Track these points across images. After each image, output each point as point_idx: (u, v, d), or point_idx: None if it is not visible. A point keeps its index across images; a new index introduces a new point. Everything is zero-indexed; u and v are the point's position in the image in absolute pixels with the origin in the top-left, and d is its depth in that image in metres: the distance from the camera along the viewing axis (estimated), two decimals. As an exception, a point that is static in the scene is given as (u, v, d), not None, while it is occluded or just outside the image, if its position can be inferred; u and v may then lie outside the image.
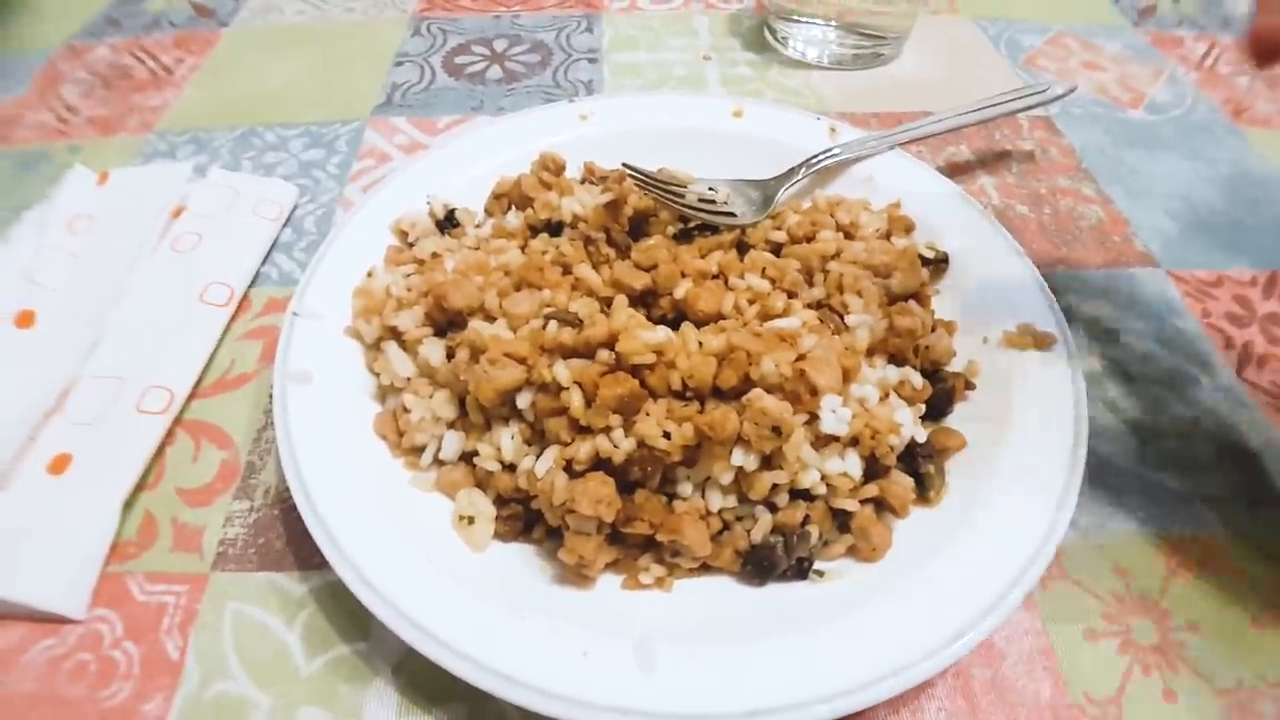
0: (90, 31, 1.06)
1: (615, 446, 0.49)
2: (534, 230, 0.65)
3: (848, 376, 0.52)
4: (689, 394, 0.51)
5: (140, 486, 0.60)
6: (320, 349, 0.59)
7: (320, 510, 0.51)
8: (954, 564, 0.49)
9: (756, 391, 0.50)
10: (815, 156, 0.73)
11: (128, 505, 0.59)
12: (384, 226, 0.68)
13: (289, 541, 0.57)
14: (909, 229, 0.67)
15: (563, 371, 0.50)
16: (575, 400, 0.50)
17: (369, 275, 0.63)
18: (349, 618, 0.52)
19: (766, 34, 1.00)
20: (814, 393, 0.50)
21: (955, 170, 0.83)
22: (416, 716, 0.49)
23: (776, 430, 0.48)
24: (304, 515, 0.51)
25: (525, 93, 0.93)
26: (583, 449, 0.49)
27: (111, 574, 0.56)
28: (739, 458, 0.49)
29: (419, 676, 0.50)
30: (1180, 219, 0.80)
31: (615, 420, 0.49)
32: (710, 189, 0.67)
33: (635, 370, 0.51)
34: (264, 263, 0.76)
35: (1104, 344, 0.68)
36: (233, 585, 0.55)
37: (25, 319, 0.70)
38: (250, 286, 0.74)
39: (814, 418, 0.51)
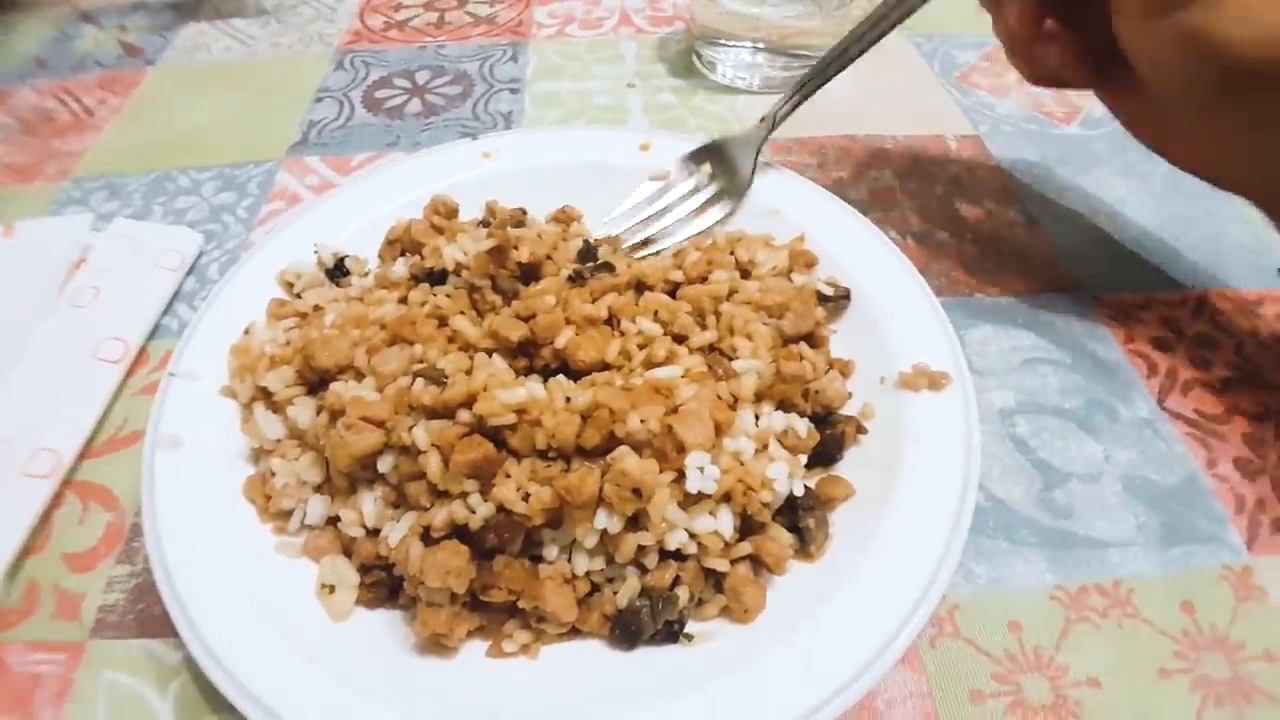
0: (19, 74, 1.06)
1: (472, 512, 0.47)
2: (417, 279, 0.63)
3: (720, 430, 0.51)
4: (553, 454, 0.50)
5: (27, 550, 0.59)
6: (195, 411, 0.58)
7: (178, 588, 0.49)
8: (827, 624, 0.47)
9: (620, 451, 0.48)
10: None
11: (13, 571, 0.58)
12: (270, 277, 0.66)
13: (166, 608, 0.56)
14: (810, 264, 0.66)
15: (420, 434, 0.49)
16: (433, 464, 0.48)
17: (246, 332, 0.62)
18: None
19: (694, 59, 0.98)
20: (681, 450, 0.48)
21: (876, 196, 0.82)
22: (283, 794, 0.48)
23: (637, 492, 0.46)
24: (161, 592, 0.50)
25: (443, 126, 0.92)
26: (439, 515, 0.48)
27: None
28: (602, 520, 0.47)
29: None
30: (1109, 240, 0.78)
31: (471, 485, 0.48)
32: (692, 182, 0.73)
33: (496, 432, 0.49)
34: (165, 314, 0.74)
35: (1020, 375, 0.66)
36: (109, 653, 0.54)
37: (-79, 378, 0.69)
38: (149, 340, 0.72)
39: (682, 475, 0.49)
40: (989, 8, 0.65)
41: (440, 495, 0.49)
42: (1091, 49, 0.60)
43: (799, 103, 0.72)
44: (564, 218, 0.72)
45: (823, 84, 0.71)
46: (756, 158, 0.72)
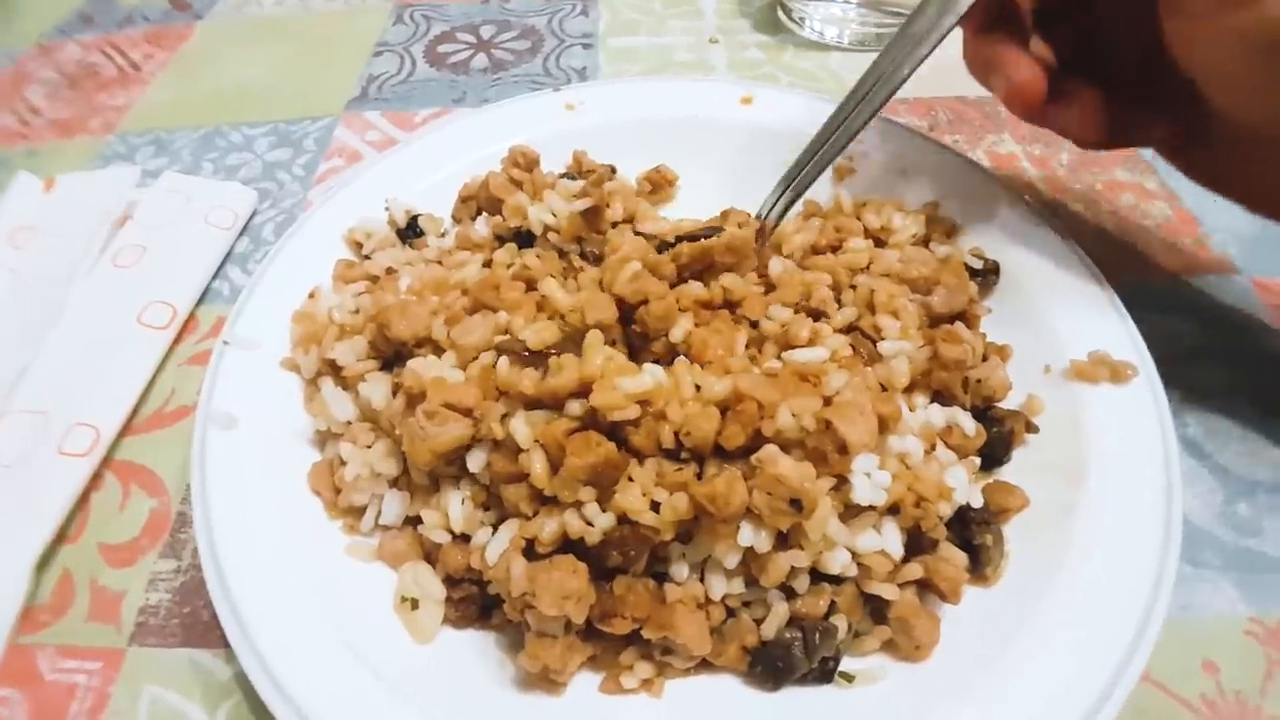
0: (63, 29, 0.96)
1: (589, 524, 0.37)
2: (501, 240, 0.52)
3: (885, 426, 0.39)
4: (683, 453, 0.39)
5: (61, 538, 0.50)
6: (253, 385, 0.48)
7: (233, 594, 0.39)
8: (1021, 667, 0.36)
9: (769, 451, 0.37)
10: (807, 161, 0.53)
11: (46, 560, 0.49)
12: (338, 236, 0.55)
13: (216, 613, 0.46)
14: (951, 233, 0.54)
15: (521, 429, 0.38)
16: (537, 466, 0.37)
17: (311, 296, 0.51)
18: None
19: (780, 14, 0.86)
20: (844, 451, 0.37)
21: (997, 162, 0.70)
22: (352, 844, 0.38)
23: (796, 504, 0.35)
24: (213, 598, 0.40)
25: (512, 82, 0.80)
26: (547, 527, 0.37)
27: (21, 646, 0.46)
28: (748, 536, 0.37)
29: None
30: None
31: (588, 494, 0.37)
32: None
33: (614, 429, 0.38)
34: (215, 277, 0.64)
35: (1184, 369, 0.54)
36: (151, 664, 0.45)
37: (-43, 345, 0.60)
38: (198, 305, 0.62)
39: (843, 482, 0.38)
40: (979, 77, 0.50)
41: (546, 501, 0.38)
42: (1119, 96, 0.46)
43: (792, 201, 0.54)
44: (659, 179, 0.60)
45: (816, 177, 0.53)
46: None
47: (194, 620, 0.46)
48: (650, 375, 0.38)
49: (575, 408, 0.38)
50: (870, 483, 0.37)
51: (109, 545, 0.50)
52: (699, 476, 0.38)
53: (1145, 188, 0.68)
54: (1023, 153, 0.70)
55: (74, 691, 0.44)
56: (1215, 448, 0.51)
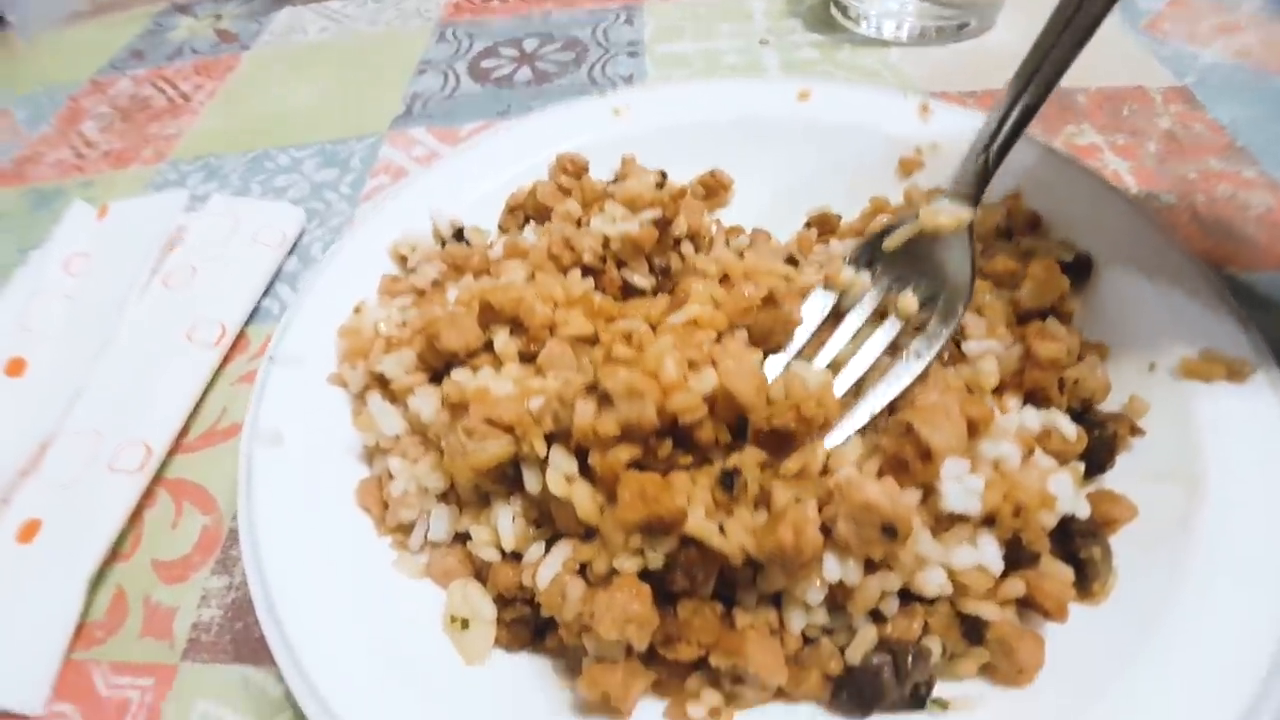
0: (115, 65, 1.00)
1: (642, 554, 0.35)
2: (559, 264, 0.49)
3: (975, 430, 0.36)
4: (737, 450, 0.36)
5: (114, 555, 0.51)
6: (299, 401, 0.47)
7: (279, 613, 0.38)
8: (1137, 695, 0.33)
9: (847, 476, 0.34)
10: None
11: (99, 578, 0.50)
12: (383, 251, 0.55)
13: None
14: (1035, 225, 0.51)
15: (561, 459, 0.36)
16: (584, 501, 0.35)
17: (357, 311, 0.50)
18: None
19: (833, 11, 0.84)
20: (927, 457, 0.34)
21: (1079, 154, 0.66)
22: None
23: (889, 530, 0.33)
24: (260, 618, 0.39)
25: (558, 93, 0.80)
26: (601, 559, 0.35)
27: (76, 661, 0.47)
28: (834, 570, 0.34)
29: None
30: (1370, 203, 0.61)
31: (638, 541, 0.35)
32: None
33: (674, 426, 0.36)
34: (265, 295, 0.65)
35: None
36: (203, 680, 0.45)
37: (15, 367, 0.61)
38: (247, 323, 0.63)
39: (930, 492, 0.35)
40: None
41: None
42: None
43: (1024, 122, 0.45)
44: (714, 184, 0.59)
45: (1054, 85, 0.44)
46: (973, 231, 0.45)
47: (246, 636, 0.46)
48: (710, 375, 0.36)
49: (638, 411, 0.35)
50: (962, 488, 0.34)
51: (162, 562, 0.50)
52: (761, 503, 0.35)
53: (1243, 176, 0.63)
54: (1105, 143, 0.67)
55: (127, 707, 0.45)
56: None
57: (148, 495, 0.53)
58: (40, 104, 0.95)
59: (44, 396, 0.58)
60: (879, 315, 0.44)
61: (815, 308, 0.45)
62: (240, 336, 0.62)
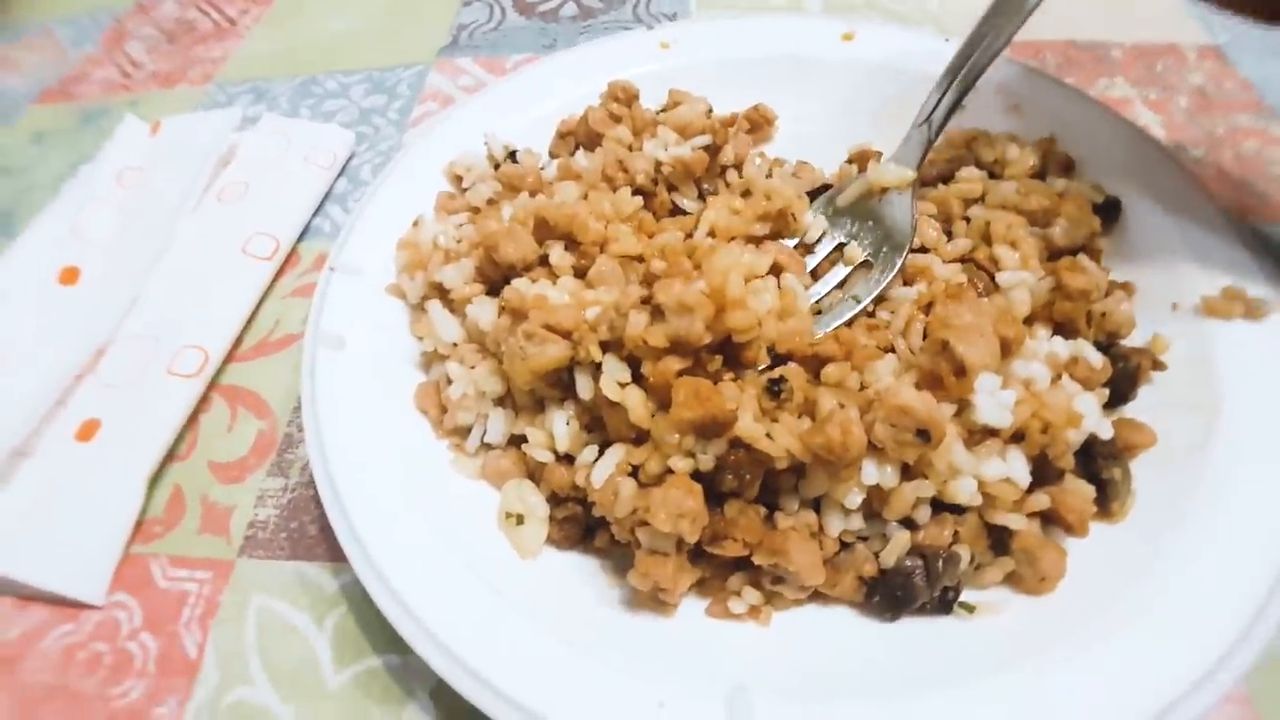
0: (160, -13, 0.98)
1: (692, 456, 0.36)
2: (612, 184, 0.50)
3: (1007, 350, 0.37)
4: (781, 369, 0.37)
5: (171, 456, 0.52)
6: (359, 309, 0.48)
7: (346, 502, 0.40)
8: (1148, 610, 0.34)
9: (890, 382, 0.35)
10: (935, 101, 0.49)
11: (156, 477, 0.51)
12: (437, 171, 0.55)
13: (323, 528, 0.47)
14: (1069, 167, 0.51)
15: (615, 366, 0.37)
16: (637, 406, 0.36)
17: (415, 225, 0.51)
18: (385, 624, 0.41)
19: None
20: (961, 373, 0.35)
21: (1113, 107, 0.65)
22: (456, 754, 0.39)
23: (923, 434, 0.34)
24: (327, 507, 0.40)
25: (603, 28, 0.79)
26: (653, 460, 0.36)
27: (135, 555, 0.48)
28: (872, 474, 0.35)
29: (461, 705, 0.39)
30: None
31: (690, 441, 0.36)
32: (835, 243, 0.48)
33: (726, 344, 0.37)
34: (316, 215, 0.65)
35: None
36: (260, 574, 0.46)
37: (70, 275, 0.62)
38: (299, 240, 0.63)
39: (964, 407, 0.36)
40: None
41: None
42: None
43: (959, 97, 0.49)
44: (758, 118, 0.58)
45: (984, 70, 0.49)
46: (915, 188, 0.49)
47: (301, 535, 0.47)
48: (769, 292, 0.37)
49: (689, 328, 0.36)
50: (995, 403, 0.36)
51: (218, 463, 0.51)
52: (806, 412, 0.36)
53: (1271, 134, 0.63)
54: (1138, 96, 0.66)
55: (185, 598, 0.46)
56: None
57: (203, 401, 0.54)
58: (84, 26, 0.93)
59: (99, 303, 0.58)
60: (831, 261, 0.48)
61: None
62: (292, 253, 0.62)
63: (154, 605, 0.46)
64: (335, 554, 0.46)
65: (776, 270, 0.42)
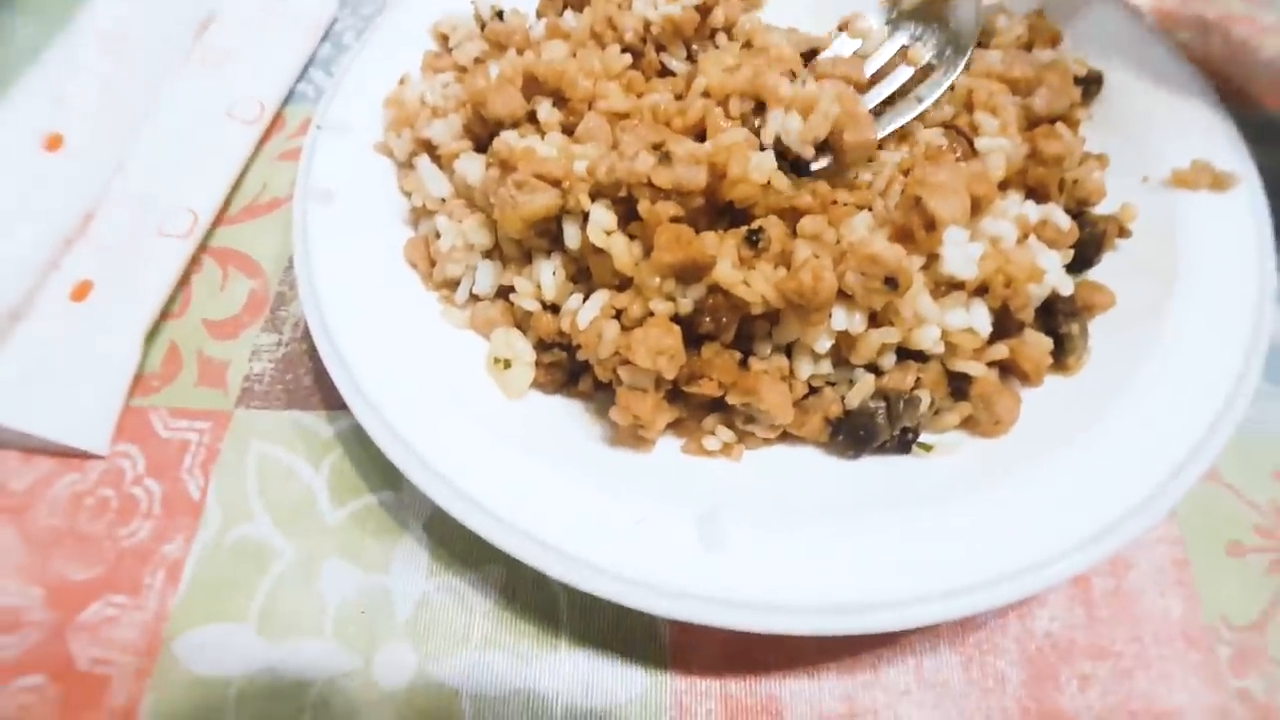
0: None
1: (672, 300, 0.37)
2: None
3: (978, 207, 0.39)
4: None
5: (165, 314, 0.53)
6: (347, 166, 0.48)
7: (341, 348, 0.41)
8: (1092, 450, 0.37)
9: (861, 233, 0.37)
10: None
11: (151, 335, 0.52)
12: (423, 31, 0.54)
13: (317, 379, 0.49)
14: (1055, 40, 0.51)
15: (602, 214, 0.38)
16: (621, 253, 0.38)
17: (402, 83, 0.50)
18: (378, 465, 0.44)
19: None
20: (931, 227, 0.37)
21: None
22: (448, 578, 0.42)
23: (891, 281, 0.35)
24: (323, 353, 0.42)
25: (592, -105, 0.76)
26: (636, 304, 0.38)
27: (135, 408, 0.50)
28: (841, 320, 0.37)
29: (452, 535, 0.42)
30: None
31: (670, 285, 0.37)
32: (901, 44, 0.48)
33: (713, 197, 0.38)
34: (300, 79, 0.64)
35: (1282, 198, 0.52)
36: (257, 423, 0.48)
37: (54, 142, 0.60)
38: (285, 104, 0.62)
39: (933, 260, 0.38)
40: None
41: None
42: None
43: None
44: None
45: None
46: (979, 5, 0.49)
47: (296, 385, 0.49)
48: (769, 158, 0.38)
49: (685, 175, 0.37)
50: (962, 255, 0.37)
51: (212, 321, 0.52)
52: (782, 262, 0.37)
53: (1260, 22, 0.63)
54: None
55: (187, 447, 0.48)
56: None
57: (194, 261, 0.55)
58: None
59: (84, 169, 0.57)
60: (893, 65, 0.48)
61: (845, 48, 0.49)
62: (277, 117, 0.62)
63: (157, 453, 0.48)
64: (330, 403, 0.48)
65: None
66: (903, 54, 0.48)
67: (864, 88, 0.45)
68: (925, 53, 0.48)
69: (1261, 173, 0.52)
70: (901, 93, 0.46)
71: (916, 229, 0.37)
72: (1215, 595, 0.39)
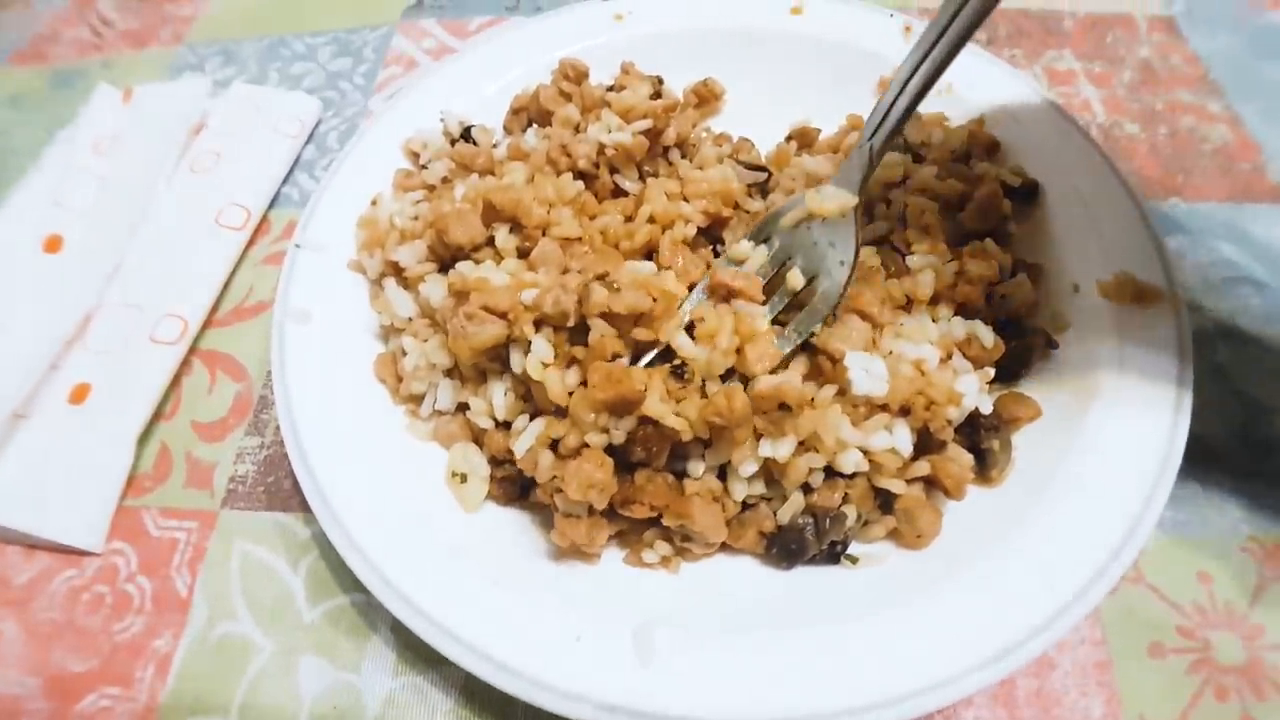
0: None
1: (605, 431, 0.41)
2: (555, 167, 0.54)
3: (873, 321, 0.43)
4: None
5: (158, 416, 0.57)
6: (323, 283, 0.53)
7: (312, 465, 0.45)
8: (1011, 560, 0.40)
9: (766, 379, 0.41)
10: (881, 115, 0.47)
11: (144, 436, 0.56)
12: (397, 147, 0.59)
13: (296, 482, 0.52)
14: (992, 150, 0.55)
15: (542, 346, 0.42)
16: (554, 385, 0.42)
17: (373, 203, 0.55)
18: (350, 568, 0.48)
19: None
20: (834, 360, 0.41)
21: (1055, 79, 0.69)
22: (412, 676, 0.45)
23: (785, 406, 0.39)
24: (296, 469, 0.46)
25: (563, -7, 0.81)
26: (572, 434, 0.42)
27: (128, 507, 0.54)
28: (767, 447, 0.41)
29: (416, 637, 0.46)
30: (1327, 144, 0.64)
31: (604, 418, 0.41)
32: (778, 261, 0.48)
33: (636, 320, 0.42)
34: (285, 183, 0.69)
35: (1219, 295, 0.55)
36: (241, 524, 0.52)
37: (53, 244, 0.66)
38: (270, 208, 0.67)
39: (843, 391, 0.42)
40: None
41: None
42: None
43: (901, 121, 0.46)
44: (706, 93, 0.62)
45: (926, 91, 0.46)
46: (858, 212, 0.47)
47: (277, 488, 0.53)
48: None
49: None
50: (866, 375, 0.41)
51: (201, 423, 0.56)
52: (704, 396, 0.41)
53: (1208, 110, 0.66)
54: (1082, 70, 0.69)
55: (176, 546, 0.52)
56: (1241, 375, 0.52)
57: (185, 364, 0.59)
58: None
59: (83, 271, 0.62)
60: (771, 288, 0.47)
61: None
62: (263, 221, 0.66)
63: (148, 551, 0.51)
64: (307, 505, 0.51)
65: (731, 295, 0.45)
66: (780, 274, 0.46)
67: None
68: (800, 277, 0.45)
69: (1198, 267, 0.56)
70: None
71: (824, 365, 0.42)
72: (1136, 695, 0.42)
